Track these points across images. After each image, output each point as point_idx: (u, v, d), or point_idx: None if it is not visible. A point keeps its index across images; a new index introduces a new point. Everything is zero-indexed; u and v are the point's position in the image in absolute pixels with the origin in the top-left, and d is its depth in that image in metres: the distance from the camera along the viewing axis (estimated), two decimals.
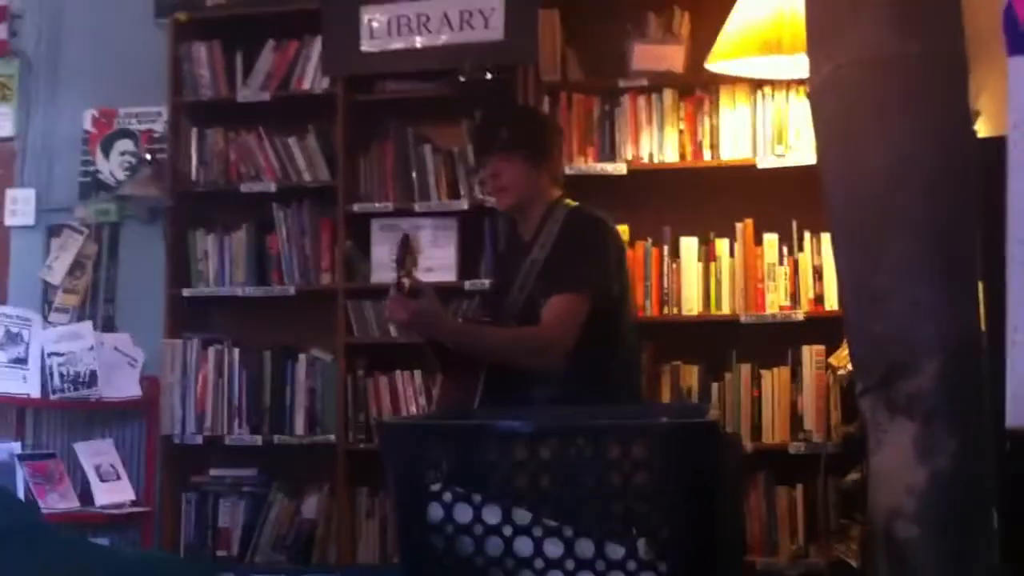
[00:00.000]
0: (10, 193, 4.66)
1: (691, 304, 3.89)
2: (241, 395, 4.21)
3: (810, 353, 3.78)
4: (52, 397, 4.14)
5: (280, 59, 4.32)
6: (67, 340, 4.18)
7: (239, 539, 4.17)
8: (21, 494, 3.86)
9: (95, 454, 4.18)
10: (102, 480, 4.13)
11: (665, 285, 3.91)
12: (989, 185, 1.81)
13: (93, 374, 4.14)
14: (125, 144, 4.61)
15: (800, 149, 3.81)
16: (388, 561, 4.00)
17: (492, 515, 1.68)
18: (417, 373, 4.09)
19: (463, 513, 1.69)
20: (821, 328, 3.71)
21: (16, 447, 4.10)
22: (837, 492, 3.52)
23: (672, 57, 3.96)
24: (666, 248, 3.93)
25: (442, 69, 4.08)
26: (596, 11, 4.11)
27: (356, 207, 4.16)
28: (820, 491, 3.64)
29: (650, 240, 3.94)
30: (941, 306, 1.71)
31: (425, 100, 4.16)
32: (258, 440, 4.16)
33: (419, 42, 4.12)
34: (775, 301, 3.85)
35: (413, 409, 4.05)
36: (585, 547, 1.65)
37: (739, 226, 3.90)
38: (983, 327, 1.81)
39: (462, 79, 4.02)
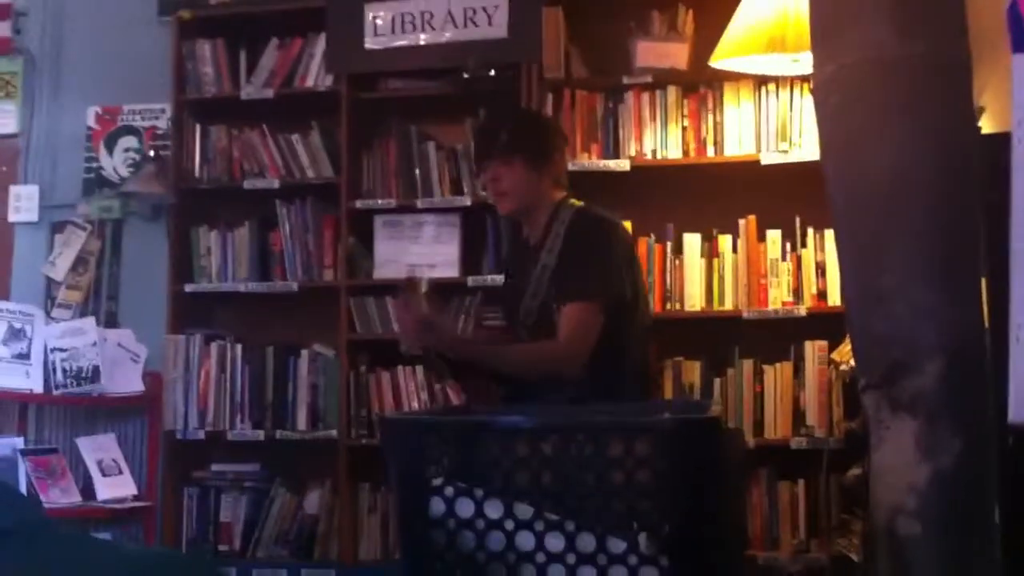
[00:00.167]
0: (14, 190, 4.66)
1: (694, 300, 3.89)
2: (243, 391, 4.22)
3: (812, 349, 3.78)
4: (55, 392, 4.15)
5: (284, 56, 4.32)
6: (70, 336, 4.19)
7: (241, 534, 4.18)
8: (23, 489, 3.86)
9: (97, 449, 4.18)
10: (104, 475, 4.13)
11: (668, 281, 3.91)
12: (993, 181, 1.81)
13: (96, 370, 4.15)
14: (129, 141, 4.62)
15: (803, 146, 3.81)
16: (390, 556, 4.01)
17: (494, 510, 1.68)
18: (419, 369, 4.10)
19: (465, 508, 1.69)
20: (824, 324, 3.71)
21: (19, 442, 4.11)
22: (839, 488, 3.52)
23: (676, 54, 3.96)
24: (669, 244, 3.94)
25: (446, 67, 4.08)
26: (600, 8, 4.11)
27: (359, 204, 4.17)
28: (822, 487, 3.64)
29: (653, 236, 3.94)
30: (943, 306, 1.71)
31: (428, 98, 4.17)
32: (260, 435, 4.17)
33: (423, 39, 4.13)
34: (778, 297, 3.85)
35: (415, 405, 4.06)
36: (586, 541, 1.65)
37: (742, 222, 3.90)
38: (986, 324, 1.81)
39: (466, 76, 4.03)
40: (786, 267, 3.86)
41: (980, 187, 1.78)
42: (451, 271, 4.09)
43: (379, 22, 4.17)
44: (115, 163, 4.63)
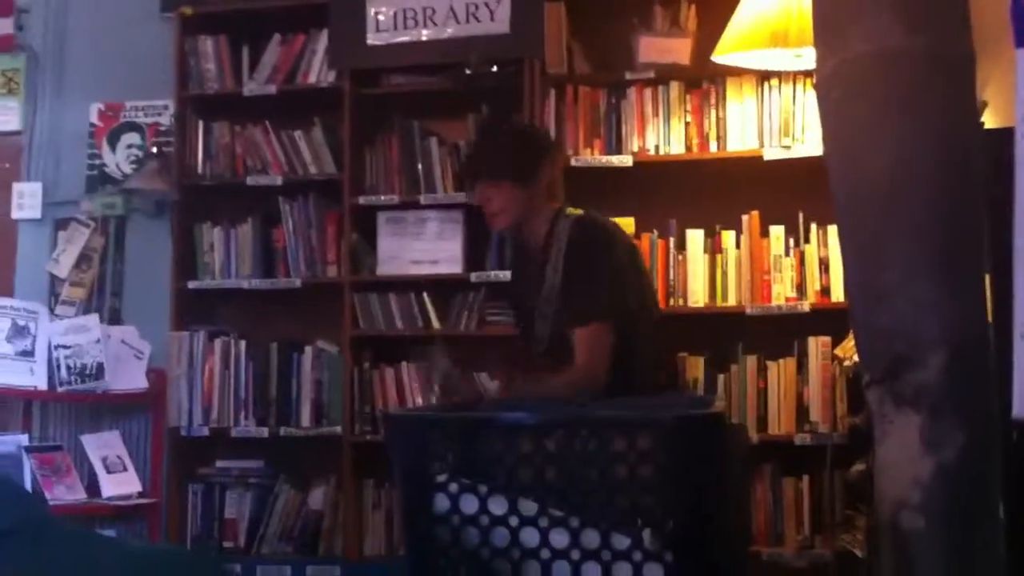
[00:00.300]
0: (17, 187, 4.67)
1: (697, 296, 3.89)
2: (247, 387, 4.22)
3: (816, 344, 3.78)
4: (59, 389, 4.15)
5: (286, 53, 4.32)
6: (74, 333, 4.19)
7: (246, 531, 4.19)
8: (28, 486, 3.87)
9: (102, 446, 4.19)
10: (109, 472, 4.14)
11: (671, 277, 3.91)
12: (996, 176, 1.81)
13: (100, 366, 4.15)
14: (131, 137, 4.62)
15: (807, 141, 3.80)
16: (394, 552, 4.01)
17: (498, 506, 1.68)
18: (423, 365, 4.10)
19: (469, 504, 1.70)
20: (827, 319, 3.71)
21: (23, 439, 4.11)
22: (843, 483, 3.52)
23: (678, 50, 3.96)
24: (672, 240, 3.93)
25: (448, 62, 4.08)
26: (602, 3, 4.10)
27: (362, 200, 4.17)
28: (826, 482, 3.64)
29: (656, 232, 3.94)
30: (946, 300, 1.70)
31: (431, 93, 4.17)
32: (264, 432, 4.18)
33: (425, 35, 4.12)
34: (781, 293, 3.85)
35: (419, 401, 4.06)
36: (591, 537, 1.65)
37: (745, 218, 3.90)
38: (990, 319, 1.80)
39: (468, 72, 4.02)
40: (789, 263, 3.86)
41: (983, 182, 1.78)
42: (454, 267, 4.10)
43: (381, 18, 4.17)
44: (118, 160, 4.63)
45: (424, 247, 4.14)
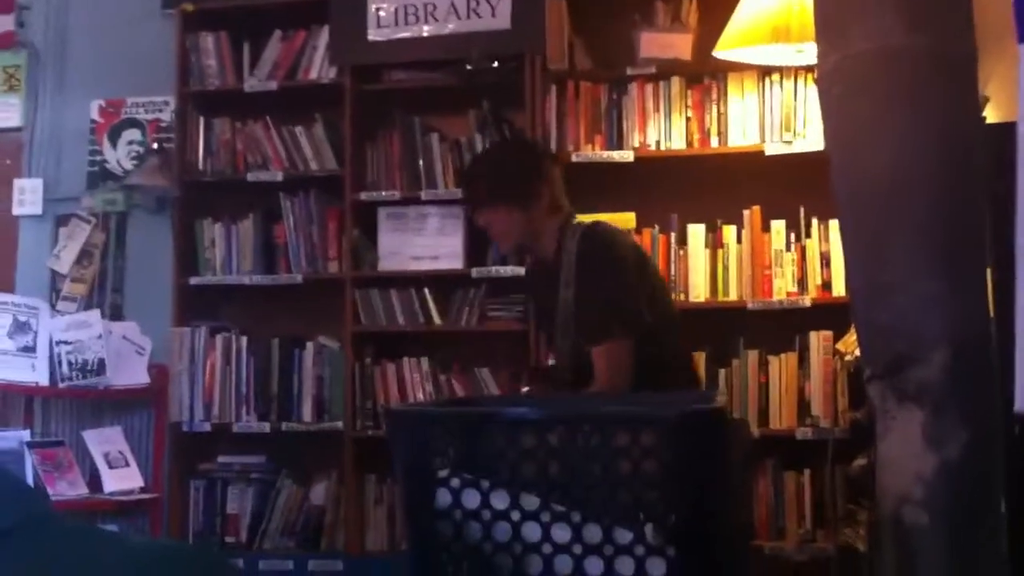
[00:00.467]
0: (18, 183, 4.67)
1: (698, 291, 3.90)
2: (249, 383, 4.23)
3: (817, 339, 3.79)
4: (60, 385, 4.16)
5: (287, 49, 4.32)
6: (75, 329, 4.20)
7: (248, 526, 4.19)
8: (30, 482, 3.87)
9: (104, 442, 4.19)
10: (111, 467, 4.14)
11: (672, 272, 3.91)
12: (998, 171, 1.81)
13: (101, 362, 4.16)
14: (132, 134, 4.62)
15: (808, 136, 3.80)
16: (396, 547, 4.02)
17: (500, 501, 1.69)
18: (424, 360, 4.11)
19: (471, 499, 1.70)
20: (828, 314, 3.71)
21: (25, 435, 4.11)
22: (844, 478, 3.52)
23: (680, 45, 3.95)
24: (673, 235, 3.93)
25: (449, 58, 4.08)
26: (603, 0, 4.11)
27: (363, 196, 4.17)
28: (827, 477, 3.64)
29: (657, 227, 3.94)
30: (948, 296, 1.70)
31: (432, 89, 4.16)
32: (266, 427, 4.18)
33: (426, 31, 4.12)
34: (782, 287, 3.85)
35: (420, 396, 4.06)
36: (593, 532, 1.65)
37: (746, 213, 3.90)
38: (992, 314, 1.81)
39: (469, 68, 4.02)
40: (790, 258, 3.86)
41: (985, 178, 1.78)
42: (455, 263, 4.10)
43: (382, 14, 4.16)
44: (119, 156, 4.63)
45: (425, 243, 4.14)
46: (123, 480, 4.15)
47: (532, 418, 1.76)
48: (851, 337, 3.27)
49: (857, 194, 1.80)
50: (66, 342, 4.16)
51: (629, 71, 3.98)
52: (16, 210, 4.67)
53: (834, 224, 3.68)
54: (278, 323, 4.31)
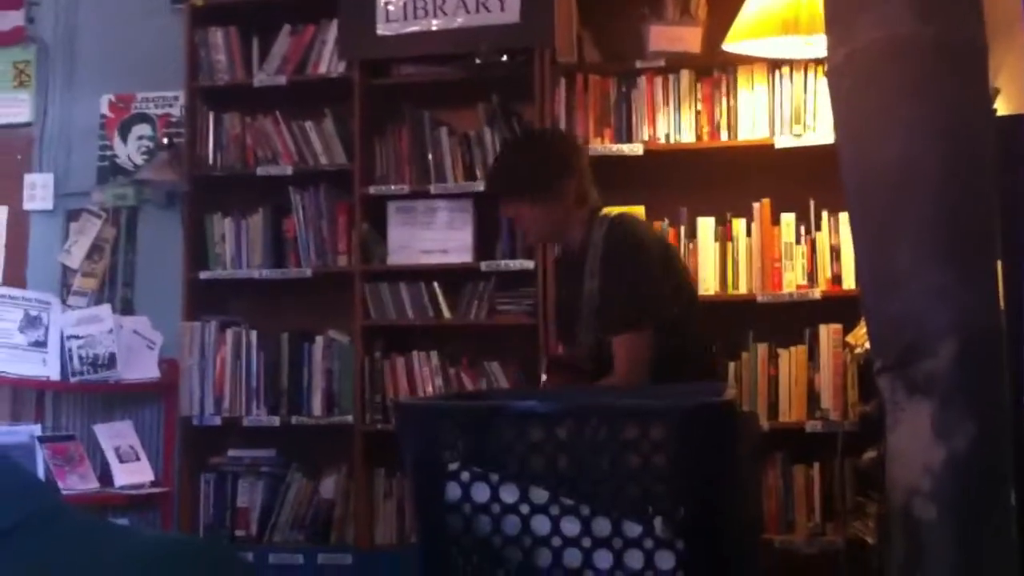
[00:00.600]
0: (28, 178, 4.68)
1: (708, 284, 3.89)
2: (259, 377, 4.24)
3: (827, 332, 3.78)
4: (72, 380, 4.17)
5: (296, 43, 4.33)
6: (86, 323, 4.21)
7: (257, 519, 4.21)
8: (41, 476, 3.89)
9: (114, 436, 4.21)
10: (121, 461, 4.16)
11: None
12: (1008, 163, 1.80)
13: (112, 357, 4.17)
14: (142, 129, 4.63)
15: (817, 129, 3.80)
16: (406, 540, 4.03)
17: (509, 494, 1.69)
18: (434, 354, 4.11)
19: (480, 492, 1.70)
20: (838, 307, 3.71)
21: (36, 429, 4.13)
22: (853, 471, 3.52)
23: (689, 38, 3.95)
24: (683, 228, 3.93)
25: (458, 52, 4.07)
26: None
27: (372, 190, 4.17)
28: (837, 470, 3.64)
29: (667, 220, 3.94)
30: (957, 288, 1.70)
31: (441, 83, 4.17)
32: (276, 421, 4.19)
33: (435, 25, 4.12)
34: (792, 280, 3.84)
35: (429, 390, 4.07)
36: (602, 525, 1.65)
37: (756, 206, 3.90)
38: (1002, 306, 1.80)
39: (478, 62, 4.02)
40: (800, 250, 3.85)
41: (995, 170, 1.78)
42: (465, 256, 4.10)
43: (391, 8, 4.16)
44: (129, 151, 4.64)
45: (434, 236, 4.14)
46: (134, 474, 4.17)
47: (541, 411, 1.76)
48: (861, 330, 3.26)
49: (866, 186, 1.79)
50: (77, 336, 4.18)
51: (638, 64, 3.98)
52: (27, 205, 4.68)
53: (844, 217, 3.68)
54: (288, 317, 4.32)
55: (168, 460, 4.30)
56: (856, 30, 1.80)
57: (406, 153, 4.19)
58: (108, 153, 4.66)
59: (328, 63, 4.27)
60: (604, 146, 3.96)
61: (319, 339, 4.23)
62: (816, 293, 3.80)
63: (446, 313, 4.10)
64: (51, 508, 1.65)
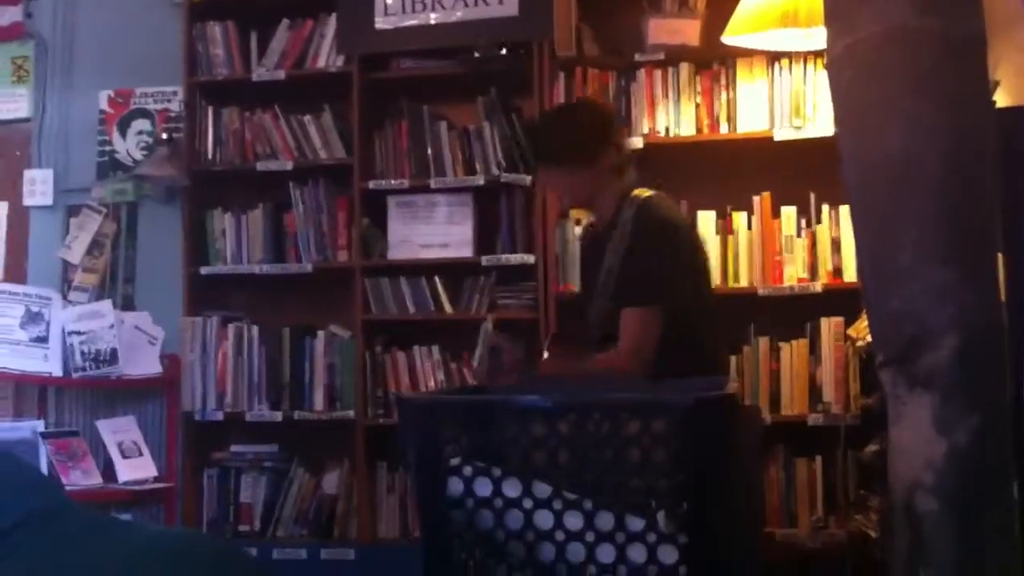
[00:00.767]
0: (28, 174, 4.68)
1: None
2: (261, 372, 4.24)
3: (828, 325, 3.78)
4: (73, 375, 4.18)
5: (295, 38, 4.32)
6: (87, 319, 4.21)
7: (260, 514, 4.21)
8: (44, 472, 3.89)
9: (117, 431, 4.21)
10: (124, 457, 4.16)
11: None
12: (1008, 155, 1.80)
13: (114, 352, 4.17)
14: (142, 124, 4.63)
15: (817, 121, 3.79)
16: (408, 535, 4.03)
17: (512, 489, 1.69)
18: (435, 349, 4.12)
19: (483, 487, 1.70)
20: (839, 300, 3.71)
21: (39, 425, 4.13)
22: (856, 464, 3.52)
23: (688, 31, 3.94)
24: None
25: (456, 46, 4.07)
26: None
27: (372, 185, 4.17)
28: (839, 463, 3.64)
29: None
30: (958, 282, 1.70)
31: (440, 77, 4.16)
32: (278, 416, 4.19)
33: (433, 19, 4.12)
34: (793, 274, 3.84)
35: (431, 384, 4.07)
36: (605, 520, 1.66)
37: (756, 199, 3.89)
38: (1003, 300, 1.80)
39: (477, 56, 4.02)
40: (801, 243, 3.85)
41: (996, 163, 1.77)
42: (465, 251, 4.10)
43: (389, 2, 4.16)
44: (128, 146, 4.64)
45: (434, 231, 4.14)
46: (137, 469, 4.17)
47: (543, 406, 1.76)
48: (862, 323, 3.27)
49: (867, 180, 1.79)
50: (78, 332, 4.18)
51: (637, 57, 3.97)
52: (27, 201, 4.68)
53: (845, 210, 3.68)
54: (289, 312, 4.33)
55: (171, 455, 4.30)
56: (856, 23, 1.80)
57: (405, 147, 4.19)
58: (107, 148, 4.66)
59: (327, 57, 4.27)
60: None
61: (320, 334, 4.24)
62: (817, 286, 3.80)
63: (447, 307, 4.10)
64: (55, 505, 1.66)
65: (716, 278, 3.89)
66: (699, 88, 3.94)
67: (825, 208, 3.83)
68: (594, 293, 2.96)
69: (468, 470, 1.71)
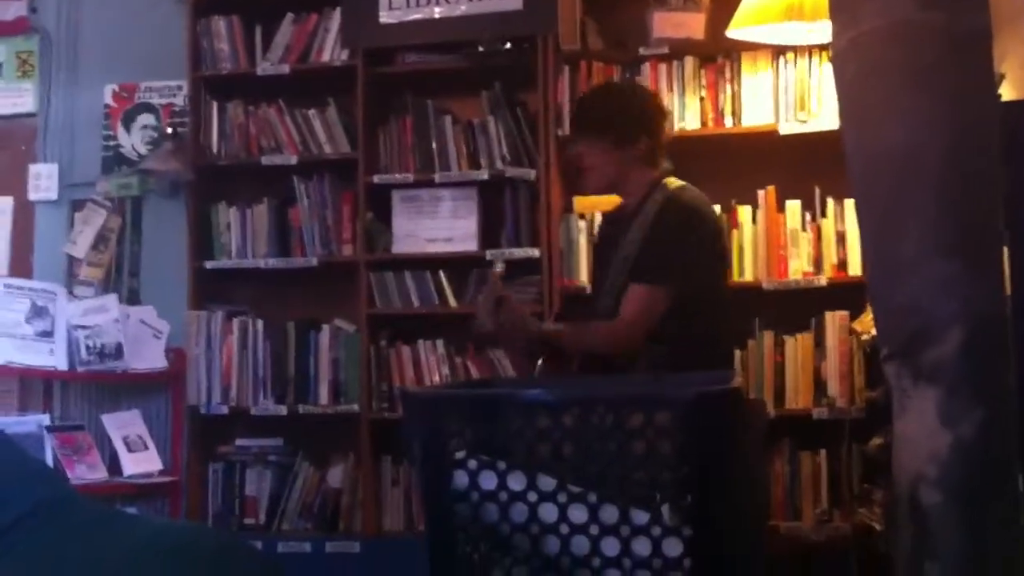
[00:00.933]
0: (33, 168, 4.68)
1: None
2: (266, 366, 4.25)
3: (833, 319, 3.78)
4: (79, 370, 4.19)
5: (299, 32, 4.32)
6: (92, 313, 4.22)
7: (266, 508, 4.22)
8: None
9: (122, 425, 4.22)
10: (130, 451, 4.17)
11: None
12: (1012, 149, 1.80)
13: (119, 346, 4.18)
14: (146, 118, 4.63)
15: (822, 115, 3.79)
16: (413, 528, 4.04)
17: (517, 482, 1.69)
18: (439, 343, 4.12)
19: (488, 480, 1.70)
20: (844, 294, 3.71)
21: (44, 419, 4.15)
22: (860, 457, 3.52)
23: (693, 24, 3.94)
24: None
25: (461, 40, 4.07)
26: None
27: (376, 179, 4.17)
28: (844, 456, 3.64)
29: None
30: (963, 275, 1.70)
31: (444, 72, 4.16)
32: (283, 410, 4.20)
33: (438, 13, 4.11)
34: (798, 267, 3.84)
35: (436, 378, 4.08)
36: (609, 513, 1.66)
37: (761, 193, 3.89)
38: (1007, 293, 1.80)
39: (481, 50, 4.02)
40: (806, 237, 3.85)
41: (1000, 156, 1.77)
42: (469, 245, 4.10)
43: None
44: (133, 141, 4.64)
45: (439, 225, 4.14)
46: (142, 463, 4.18)
47: (547, 400, 1.76)
48: (867, 316, 3.26)
49: (870, 173, 1.79)
50: (84, 326, 4.19)
51: (642, 51, 3.97)
52: (32, 195, 4.69)
53: (849, 203, 3.67)
54: (293, 306, 4.33)
55: (176, 449, 4.31)
56: (861, 16, 1.80)
57: (410, 142, 4.18)
58: (112, 143, 4.66)
59: (331, 52, 4.27)
60: None
61: (325, 328, 4.24)
62: (822, 280, 3.80)
63: (452, 301, 4.10)
64: (62, 496, 1.66)
65: None
66: (704, 82, 3.94)
67: (830, 202, 3.83)
68: (608, 272, 2.95)
69: (473, 463, 1.71)
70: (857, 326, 3.55)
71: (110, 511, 1.91)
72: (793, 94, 3.85)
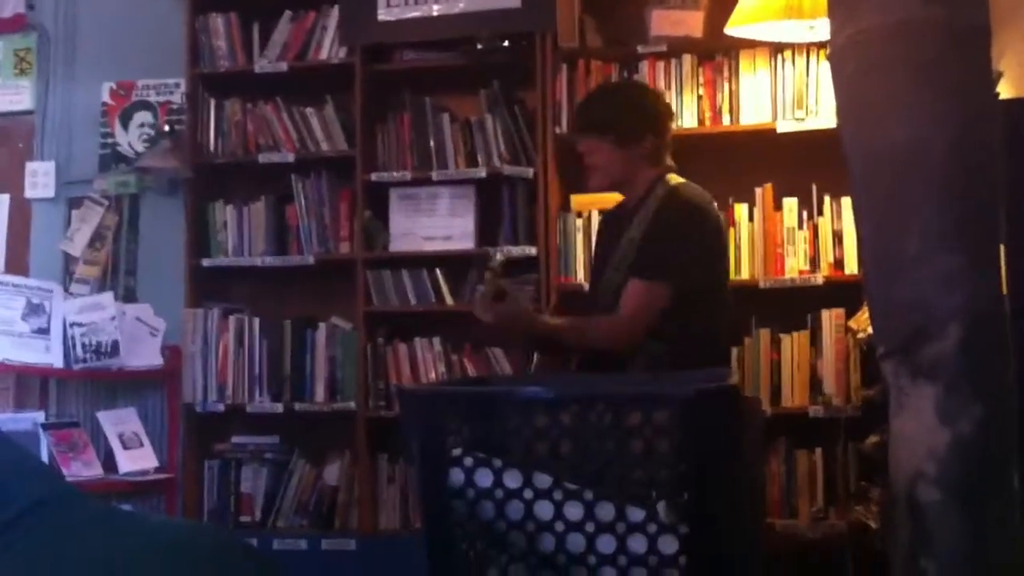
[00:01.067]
0: (30, 166, 4.68)
1: None
2: (262, 364, 4.24)
3: (830, 317, 3.78)
4: (75, 367, 4.18)
5: (297, 29, 4.31)
6: (89, 310, 4.22)
7: (261, 505, 4.22)
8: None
9: (118, 423, 4.22)
10: (125, 448, 4.17)
11: None
12: (1011, 146, 1.80)
13: (115, 344, 4.18)
14: (144, 116, 4.62)
15: (820, 113, 3.79)
16: (409, 526, 4.04)
17: (513, 479, 1.69)
18: (436, 340, 4.11)
19: (484, 478, 1.70)
20: (841, 292, 3.71)
21: (40, 416, 4.14)
22: (856, 455, 3.52)
23: (691, 22, 3.94)
24: None
25: (459, 38, 4.06)
26: None
27: (374, 177, 4.17)
28: (839, 454, 3.64)
29: None
30: (962, 272, 1.70)
31: (442, 69, 4.16)
32: (279, 408, 4.19)
33: (436, 10, 4.11)
34: (794, 266, 3.84)
35: (432, 376, 4.07)
36: (605, 510, 1.66)
37: (758, 191, 3.89)
38: (1005, 290, 1.80)
39: (479, 47, 4.01)
40: (803, 235, 3.85)
41: (999, 153, 1.77)
42: (467, 243, 4.10)
43: None
44: (130, 138, 4.63)
45: (437, 223, 4.14)
46: (138, 461, 4.18)
47: (544, 397, 1.76)
48: (863, 315, 3.26)
49: (870, 170, 1.79)
50: (80, 324, 4.18)
51: (640, 49, 3.96)
52: (29, 193, 4.68)
53: (846, 202, 3.67)
54: (290, 304, 4.32)
55: (172, 447, 4.31)
56: (860, 13, 1.80)
57: (407, 139, 4.18)
58: (109, 141, 4.65)
59: (329, 49, 4.26)
60: None
61: (322, 326, 4.24)
62: (818, 278, 3.80)
63: (448, 299, 4.10)
64: (61, 493, 1.66)
65: None
66: (702, 80, 3.94)
67: (827, 200, 3.83)
68: (607, 267, 2.95)
69: (469, 461, 1.72)
70: (853, 324, 3.54)
71: (109, 508, 1.90)
72: (791, 92, 3.85)
